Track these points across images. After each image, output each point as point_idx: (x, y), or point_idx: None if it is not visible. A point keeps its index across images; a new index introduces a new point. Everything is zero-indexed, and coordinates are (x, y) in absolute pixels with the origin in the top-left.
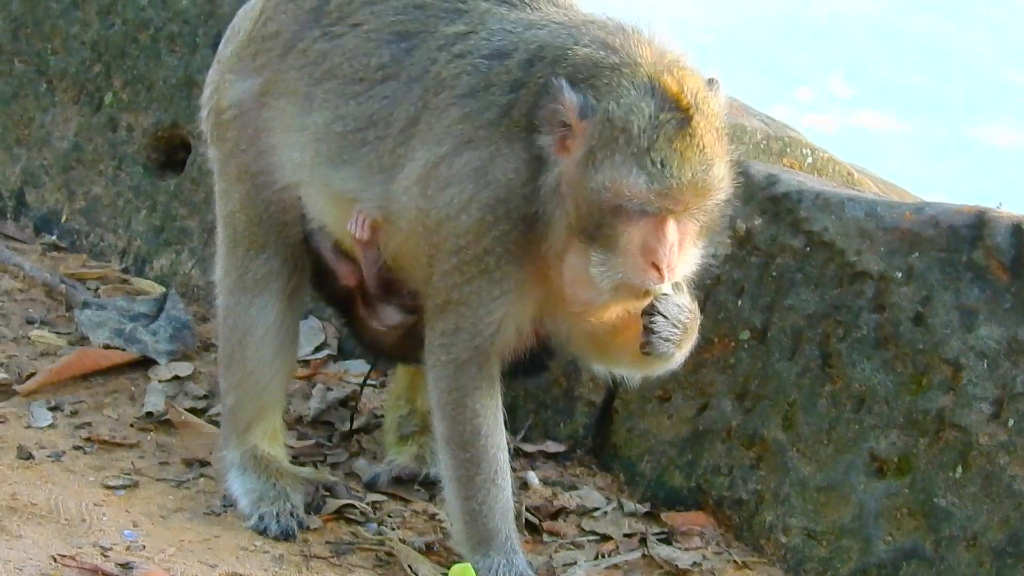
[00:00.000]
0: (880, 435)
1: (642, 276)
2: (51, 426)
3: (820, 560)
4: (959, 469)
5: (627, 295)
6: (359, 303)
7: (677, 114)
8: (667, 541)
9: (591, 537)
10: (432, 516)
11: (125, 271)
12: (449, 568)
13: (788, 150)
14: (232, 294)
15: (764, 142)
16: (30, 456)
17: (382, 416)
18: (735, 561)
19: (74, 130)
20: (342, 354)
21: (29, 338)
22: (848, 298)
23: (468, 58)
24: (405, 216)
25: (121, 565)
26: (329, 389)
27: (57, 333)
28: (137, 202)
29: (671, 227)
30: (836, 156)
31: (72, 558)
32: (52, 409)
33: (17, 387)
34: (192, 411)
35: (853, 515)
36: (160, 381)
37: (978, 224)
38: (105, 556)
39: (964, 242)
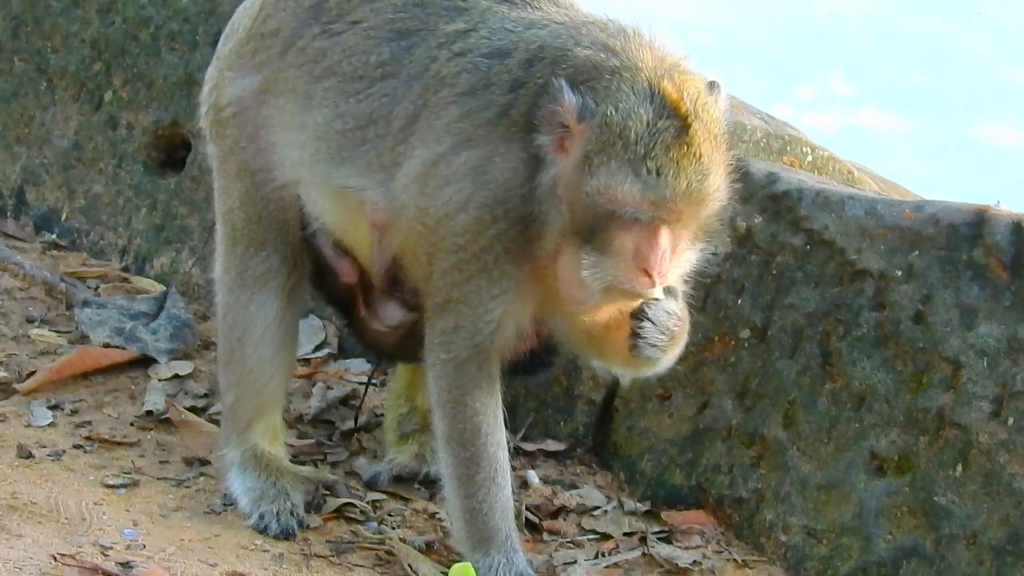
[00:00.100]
0: (880, 433)
1: (633, 281)
2: (51, 425)
3: (820, 559)
4: (959, 467)
5: (618, 297)
6: (359, 301)
7: (675, 122)
8: (667, 540)
9: (591, 536)
10: (432, 515)
11: (125, 269)
12: (449, 567)
13: (788, 148)
14: (231, 292)
15: (764, 140)
16: (30, 455)
17: (382, 415)
18: (735, 560)
19: (74, 128)
20: (342, 353)
21: (29, 337)
22: (848, 296)
23: (468, 56)
24: (405, 214)
25: (121, 564)
26: (329, 388)
27: (57, 332)
28: (137, 200)
29: (664, 235)
30: (836, 155)
31: (72, 557)
32: (52, 408)
33: (17, 386)
34: (192, 410)
35: (853, 513)
36: (160, 380)
37: (978, 222)
38: (105, 555)
39: (964, 240)
